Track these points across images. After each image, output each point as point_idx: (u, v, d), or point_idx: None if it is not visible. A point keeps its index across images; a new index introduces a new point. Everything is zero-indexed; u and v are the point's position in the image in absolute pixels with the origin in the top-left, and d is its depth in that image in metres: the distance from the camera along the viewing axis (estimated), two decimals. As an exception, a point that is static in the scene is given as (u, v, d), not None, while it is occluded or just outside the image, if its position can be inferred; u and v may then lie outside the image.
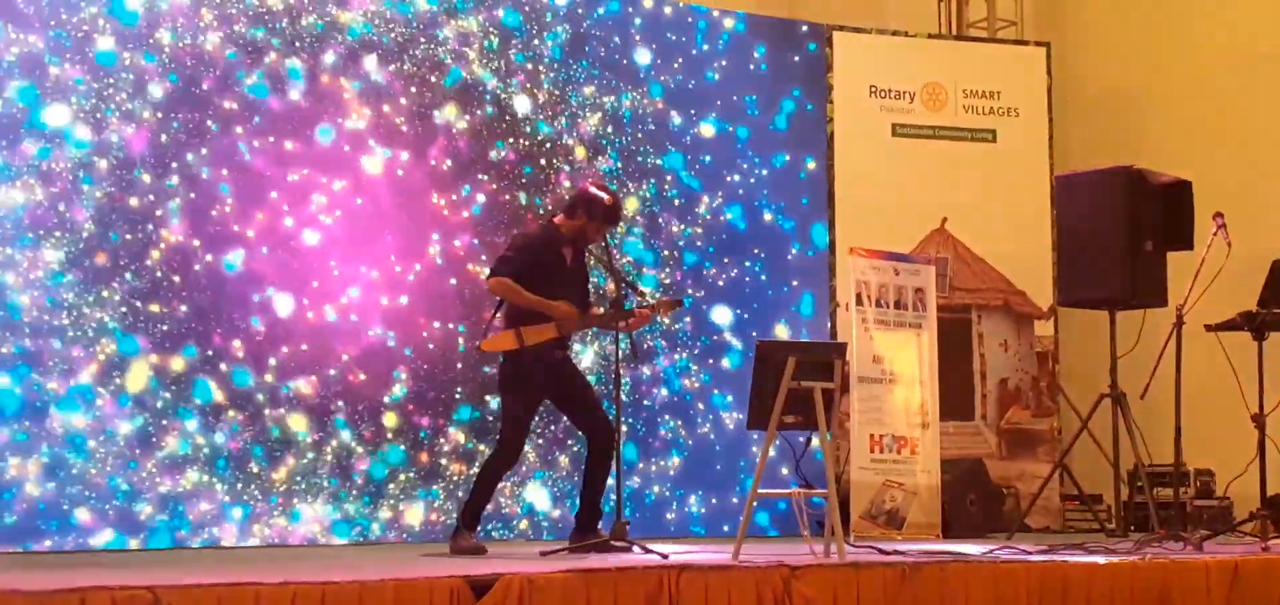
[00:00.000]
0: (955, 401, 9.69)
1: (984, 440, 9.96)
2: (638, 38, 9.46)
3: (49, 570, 5.60)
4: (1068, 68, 10.80)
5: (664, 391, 9.33)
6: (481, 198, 8.85)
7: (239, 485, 8.04)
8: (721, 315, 9.56)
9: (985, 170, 10.15)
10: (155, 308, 7.90)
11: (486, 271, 7.43)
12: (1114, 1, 11.05)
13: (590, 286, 7.46)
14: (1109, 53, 10.98)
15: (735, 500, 9.27)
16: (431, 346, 8.62)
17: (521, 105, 9.04)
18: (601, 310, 7.30)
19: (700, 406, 9.43)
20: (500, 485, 7.49)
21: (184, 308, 7.98)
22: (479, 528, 7.09)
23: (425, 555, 6.93)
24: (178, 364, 7.94)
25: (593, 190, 7.14)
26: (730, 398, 9.43)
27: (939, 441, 8.89)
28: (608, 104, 9.31)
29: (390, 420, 8.48)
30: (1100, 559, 6.40)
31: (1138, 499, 9.14)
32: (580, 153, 9.18)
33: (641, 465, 9.16)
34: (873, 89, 10.09)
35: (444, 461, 8.61)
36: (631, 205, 9.29)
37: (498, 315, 7.12)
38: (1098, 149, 10.23)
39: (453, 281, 8.71)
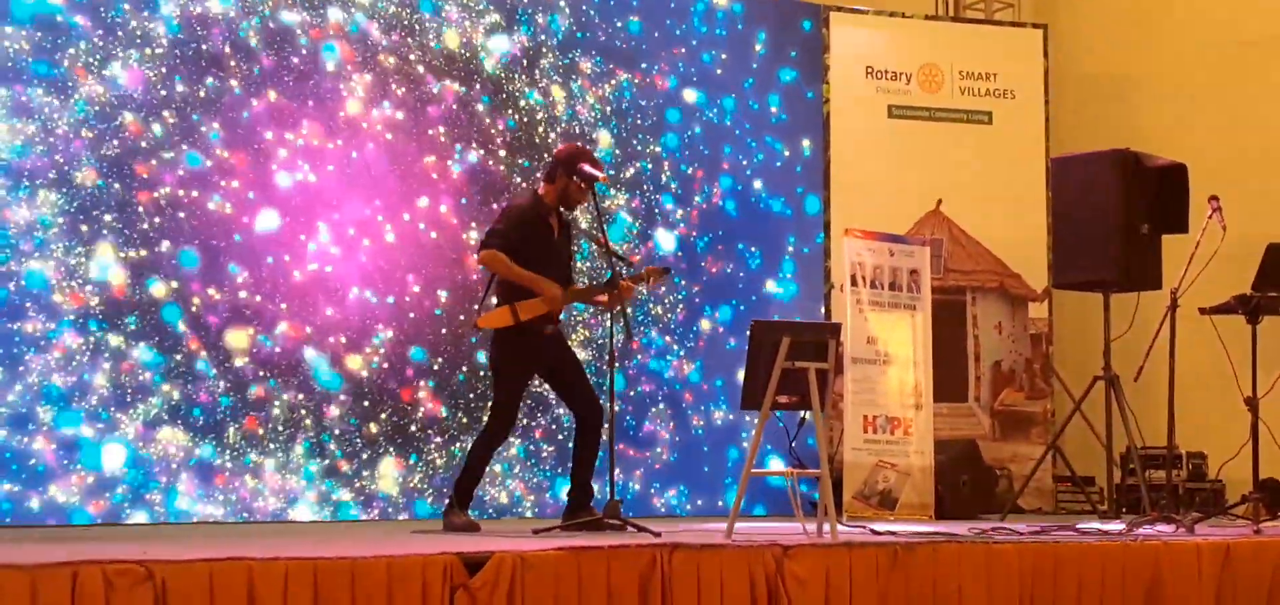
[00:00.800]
0: (949, 383, 9.69)
1: (977, 422, 9.96)
2: (635, 16, 9.44)
3: (39, 544, 5.60)
4: (1065, 50, 10.79)
5: (653, 374, 9.32)
6: (472, 157, 8.82)
7: (212, 447, 8.00)
8: (714, 297, 9.54)
9: (981, 152, 10.15)
10: (137, 254, 7.86)
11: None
12: (1111, -16, 11.06)
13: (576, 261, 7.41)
14: (1106, 36, 10.97)
15: (720, 503, 9.25)
16: (412, 315, 8.58)
17: (518, 80, 9.02)
18: (583, 285, 7.26)
19: (688, 398, 9.40)
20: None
21: (164, 255, 7.93)
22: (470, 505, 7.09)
23: (417, 532, 6.93)
24: (153, 318, 7.90)
25: (568, 148, 7.20)
26: (721, 382, 9.43)
27: (932, 422, 8.90)
28: (606, 89, 9.29)
29: (367, 381, 8.44)
30: (1092, 540, 6.40)
31: (1130, 481, 9.15)
32: (569, 116, 9.17)
33: (623, 447, 9.10)
34: (869, 70, 10.07)
35: (414, 428, 8.56)
36: (614, 155, 9.29)
37: (491, 291, 7.11)
38: (1094, 132, 10.22)
39: (433, 234, 8.65)
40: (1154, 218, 8.66)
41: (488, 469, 7.20)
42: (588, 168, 6.94)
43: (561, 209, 7.12)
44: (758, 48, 9.83)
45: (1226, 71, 10.30)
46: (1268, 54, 10.12)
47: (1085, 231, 8.75)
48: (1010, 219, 10.12)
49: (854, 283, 8.71)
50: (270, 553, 4.83)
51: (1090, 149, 9.12)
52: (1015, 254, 10.13)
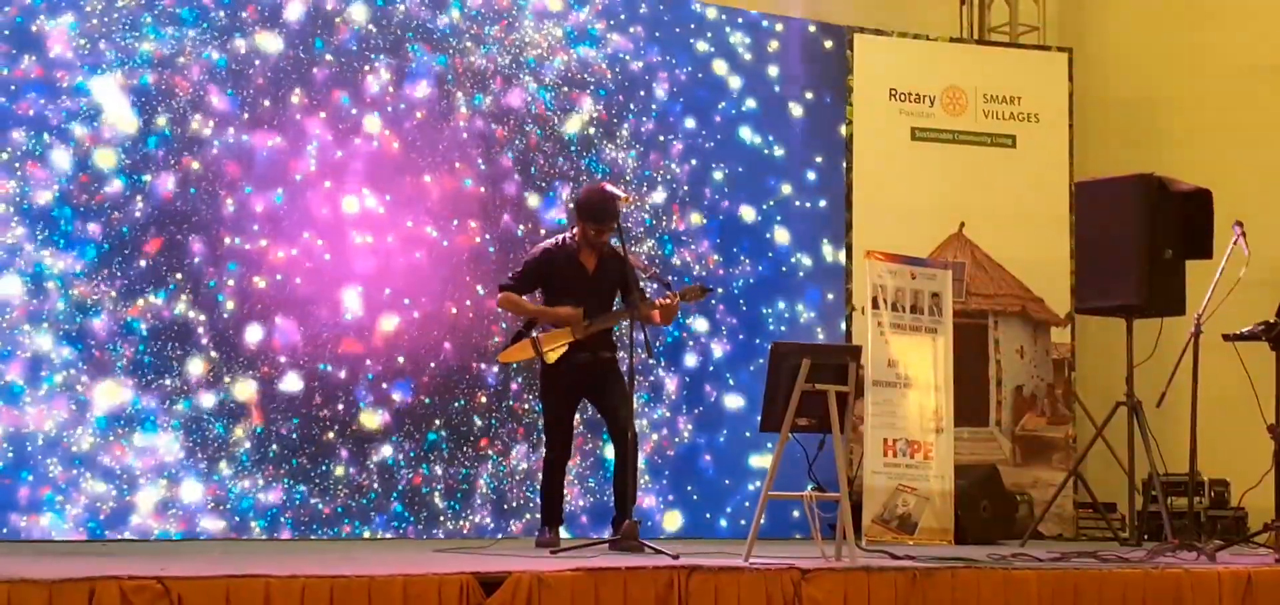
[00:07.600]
0: (970, 407, 9.65)
1: (998, 446, 9.91)
2: (657, 37, 9.45)
3: (55, 558, 5.61)
4: (1089, 74, 10.75)
5: (674, 388, 9.31)
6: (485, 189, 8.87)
7: (231, 464, 8.02)
8: (735, 316, 9.53)
9: (1004, 175, 10.11)
10: (151, 295, 7.91)
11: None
12: (1136, 9, 11.01)
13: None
14: (1131, 60, 10.93)
15: (743, 521, 9.23)
16: (430, 361, 8.60)
17: (544, 107, 9.04)
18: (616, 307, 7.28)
19: (704, 407, 9.41)
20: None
21: (180, 291, 7.99)
22: (561, 523, 7.30)
23: (437, 550, 6.93)
24: (174, 330, 7.94)
25: (579, 196, 7.38)
26: (742, 399, 9.41)
27: (953, 447, 8.85)
28: (629, 106, 9.30)
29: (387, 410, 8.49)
30: (1113, 567, 6.37)
31: (1152, 508, 9.10)
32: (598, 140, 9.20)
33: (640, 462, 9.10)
34: (893, 92, 10.05)
35: (403, 468, 8.58)
36: (652, 189, 9.30)
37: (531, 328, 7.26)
38: (1118, 156, 10.18)
39: (433, 232, 8.66)
40: (1178, 243, 8.62)
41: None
42: (587, 217, 7.08)
43: (599, 245, 7.19)
44: (780, 66, 9.82)
45: (1251, 96, 10.25)
46: (1293, 80, 10.08)
47: (1109, 256, 8.72)
48: (1033, 243, 10.08)
49: (875, 305, 8.68)
50: (287, 570, 4.83)
51: (1114, 173, 9.09)
52: (1038, 278, 10.08)
